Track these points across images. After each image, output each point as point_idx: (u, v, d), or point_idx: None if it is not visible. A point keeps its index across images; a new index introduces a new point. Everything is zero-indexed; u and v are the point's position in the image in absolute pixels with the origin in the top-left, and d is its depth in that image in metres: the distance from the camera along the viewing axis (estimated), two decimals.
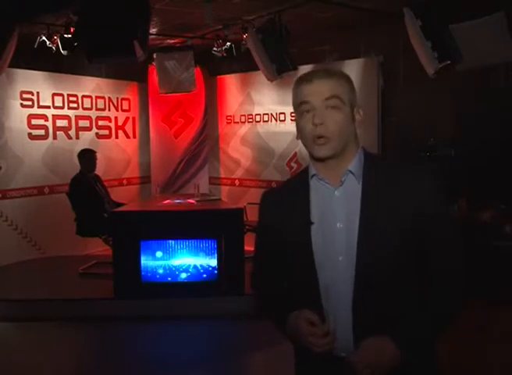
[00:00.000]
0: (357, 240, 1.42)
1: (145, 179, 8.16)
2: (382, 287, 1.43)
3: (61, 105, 6.93)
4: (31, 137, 6.61)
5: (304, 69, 6.68)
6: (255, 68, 6.19)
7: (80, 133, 7.17)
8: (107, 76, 7.54)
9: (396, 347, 1.36)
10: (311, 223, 1.47)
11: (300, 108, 1.46)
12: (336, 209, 1.46)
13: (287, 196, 1.56)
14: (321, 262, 1.46)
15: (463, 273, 1.46)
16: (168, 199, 5.95)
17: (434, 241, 1.44)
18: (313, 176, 1.51)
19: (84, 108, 7.23)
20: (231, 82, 7.88)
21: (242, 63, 7.09)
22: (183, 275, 4.97)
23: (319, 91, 1.43)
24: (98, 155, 6.22)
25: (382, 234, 1.42)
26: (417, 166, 1.49)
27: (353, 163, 1.47)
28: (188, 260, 4.99)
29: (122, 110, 7.84)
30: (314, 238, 1.46)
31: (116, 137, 7.74)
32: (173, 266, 4.98)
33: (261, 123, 7.49)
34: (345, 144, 1.46)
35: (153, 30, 6.24)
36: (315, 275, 1.47)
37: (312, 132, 1.43)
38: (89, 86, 7.29)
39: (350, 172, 1.46)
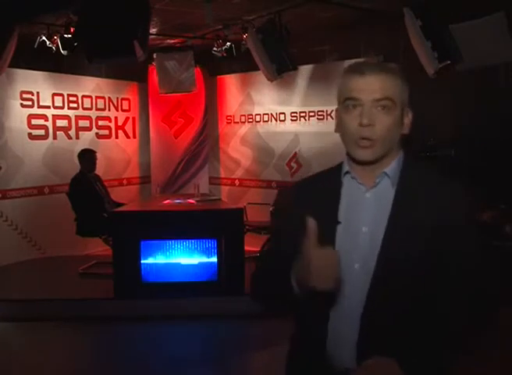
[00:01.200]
0: (380, 248, 1.32)
1: (145, 179, 8.16)
2: (396, 302, 1.31)
3: (61, 105, 6.93)
4: (31, 137, 6.61)
5: (304, 69, 6.71)
6: (255, 68, 6.19)
7: (80, 133, 7.17)
8: (107, 76, 7.54)
9: (401, 369, 1.25)
10: (338, 223, 1.37)
11: (346, 102, 1.34)
12: (364, 212, 1.36)
13: (317, 190, 1.45)
14: None
15: (491, 294, 1.35)
16: (168, 199, 5.95)
17: (459, 257, 1.32)
18: (346, 173, 1.41)
19: (84, 108, 7.23)
20: (231, 82, 7.88)
21: (242, 63, 7.09)
22: (183, 275, 4.97)
23: (371, 88, 1.31)
24: (98, 155, 6.22)
25: (407, 245, 1.30)
26: (454, 178, 1.39)
27: (391, 166, 1.37)
28: (188, 260, 4.99)
29: (122, 110, 7.84)
30: (337, 240, 1.36)
31: (116, 137, 7.74)
32: (173, 266, 4.98)
33: (261, 123, 7.49)
34: (389, 149, 1.36)
35: (153, 30, 6.24)
36: None
37: (357, 132, 1.32)
38: (89, 86, 7.29)
39: (386, 174, 1.37)
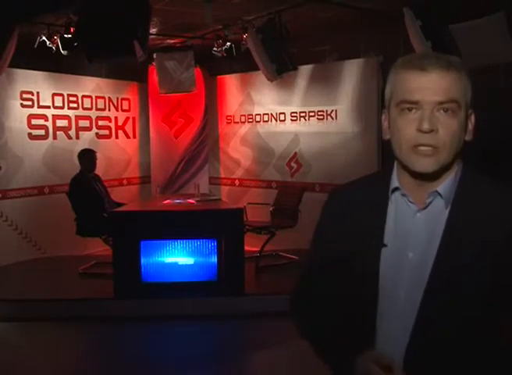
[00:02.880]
0: (429, 278, 1.14)
1: (145, 179, 8.16)
2: (446, 343, 1.13)
3: (61, 105, 6.93)
4: (31, 137, 6.61)
5: (304, 69, 6.71)
6: (255, 68, 6.19)
7: (80, 133, 7.17)
8: (107, 76, 7.54)
9: None
10: (384, 246, 1.20)
11: (402, 105, 1.14)
12: (412, 235, 1.18)
13: (361, 204, 1.27)
14: (380, 295, 1.20)
15: None
16: (168, 199, 5.96)
17: None
18: (395, 189, 1.22)
19: (84, 108, 7.23)
20: (231, 82, 7.89)
21: (242, 63, 7.09)
22: (183, 275, 4.97)
23: (434, 88, 1.11)
24: (98, 155, 6.22)
25: (461, 276, 1.12)
26: None
27: (446, 183, 1.17)
28: (188, 260, 5.00)
29: (122, 110, 7.83)
30: (381, 265, 1.20)
31: (116, 137, 7.74)
32: (173, 266, 4.98)
33: (261, 123, 7.49)
34: (453, 160, 1.16)
35: (153, 30, 6.24)
36: (374, 311, 1.20)
37: (415, 139, 1.12)
38: (89, 86, 7.29)
39: (438, 193, 1.17)
